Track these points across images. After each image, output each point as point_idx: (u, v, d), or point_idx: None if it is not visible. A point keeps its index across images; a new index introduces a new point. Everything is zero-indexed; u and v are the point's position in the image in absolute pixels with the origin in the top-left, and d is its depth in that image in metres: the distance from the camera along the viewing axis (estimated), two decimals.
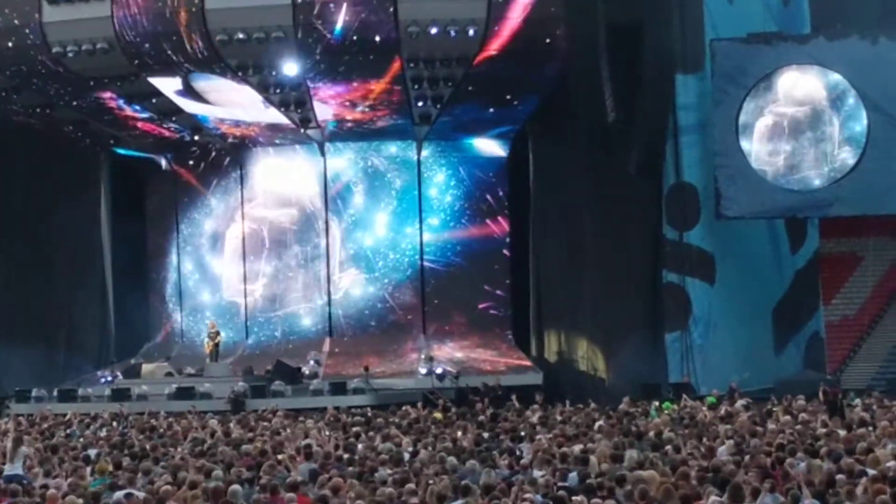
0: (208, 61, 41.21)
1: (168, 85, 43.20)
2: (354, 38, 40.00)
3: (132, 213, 51.53)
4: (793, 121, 39.78)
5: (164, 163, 51.30)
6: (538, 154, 48.12)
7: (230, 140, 48.65)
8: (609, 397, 36.14)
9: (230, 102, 44.24)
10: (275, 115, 44.65)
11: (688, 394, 34.85)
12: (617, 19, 38.73)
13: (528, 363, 45.97)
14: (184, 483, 17.95)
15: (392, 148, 48.60)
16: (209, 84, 42.98)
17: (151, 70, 42.10)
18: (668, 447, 21.20)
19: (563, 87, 41.65)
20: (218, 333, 45.33)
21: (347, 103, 44.27)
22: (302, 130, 46.04)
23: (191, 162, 50.32)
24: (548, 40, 40.75)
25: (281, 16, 39.73)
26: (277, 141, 48.47)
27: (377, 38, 40.29)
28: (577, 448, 21.18)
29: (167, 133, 48.07)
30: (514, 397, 35.71)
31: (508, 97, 44.72)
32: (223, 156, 49.91)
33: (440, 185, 48.81)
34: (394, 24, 39.77)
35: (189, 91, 43.36)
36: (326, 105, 44.36)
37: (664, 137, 40.09)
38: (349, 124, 46.11)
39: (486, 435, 25.08)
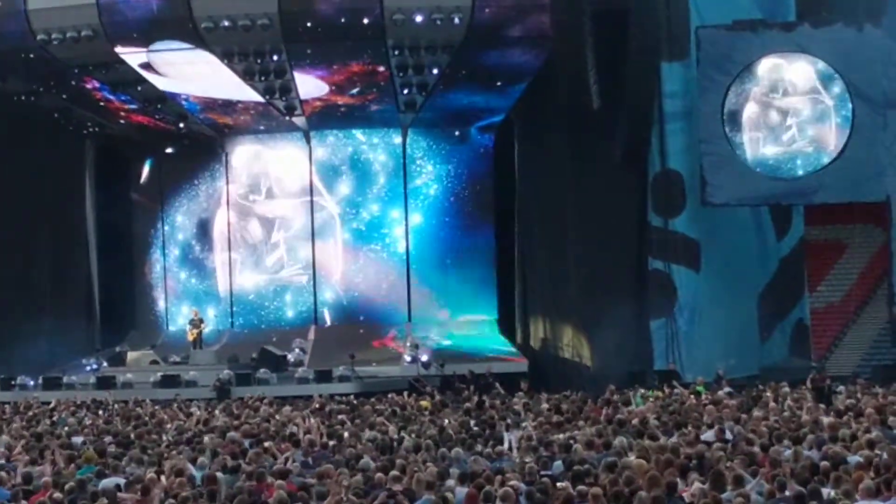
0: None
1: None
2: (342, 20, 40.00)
3: (118, 200, 51.36)
4: (778, 108, 39.81)
5: (149, 158, 51.22)
6: (523, 142, 48.06)
7: (216, 128, 48.53)
8: (594, 385, 36.12)
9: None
10: (255, 94, 44.31)
11: (672, 381, 34.88)
12: (602, 6, 38.75)
13: (513, 351, 46.00)
14: (169, 470, 17.94)
15: (378, 136, 48.56)
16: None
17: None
18: (651, 433, 21.21)
19: (548, 74, 41.64)
20: (201, 321, 45.22)
21: (334, 87, 44.14)
22: (287, 118, 45.94)
23: (177, 150, 50.19)
24: (533, 28, 40.69)
25: (266, 2, 39.63)
26: (263, 128, 48.38)
27: (364, 21, 40.22)
28: (562, 435, 21.19)
29: (153, 122, 47.91)
30: (498, 384, 35.71)
31: (493, 85, 44.64)
32: (209, 144, 49.78)
33: (426, 173, 48.76)
34: (379, 11, 39.70)
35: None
36: (315, 89, 44.19)
37: (649, 125, 40.08)
38: (342, 109, 45.99)
39: (472, 422, 25.07)
